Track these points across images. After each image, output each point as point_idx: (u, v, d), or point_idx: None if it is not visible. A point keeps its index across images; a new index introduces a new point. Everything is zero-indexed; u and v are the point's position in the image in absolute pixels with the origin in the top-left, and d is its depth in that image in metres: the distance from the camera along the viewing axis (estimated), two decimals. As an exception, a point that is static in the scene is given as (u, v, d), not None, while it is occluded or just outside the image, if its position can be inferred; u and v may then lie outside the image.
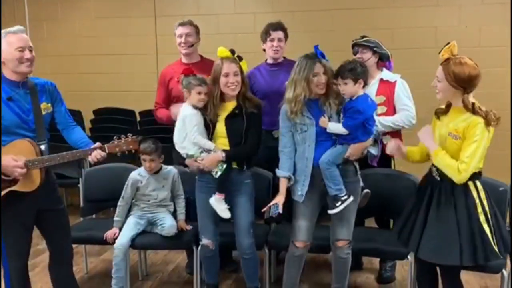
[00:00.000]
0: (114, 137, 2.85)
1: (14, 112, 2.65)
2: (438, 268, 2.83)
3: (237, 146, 3.03)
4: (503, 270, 2.96)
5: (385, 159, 3.51)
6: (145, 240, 3.43)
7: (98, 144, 2.80)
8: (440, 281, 2.85)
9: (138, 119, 5.54)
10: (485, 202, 2.57)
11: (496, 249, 2.53)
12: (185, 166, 3.21)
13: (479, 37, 4.95)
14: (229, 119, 3.03)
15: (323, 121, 2.88)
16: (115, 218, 3.49)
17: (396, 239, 2.82)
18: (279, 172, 3.00)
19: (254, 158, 3.18)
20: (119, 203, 3.50)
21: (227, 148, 3.03)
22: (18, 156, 2.58)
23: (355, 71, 2.85)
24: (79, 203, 3.93)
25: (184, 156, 3.10)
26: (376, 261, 3.90)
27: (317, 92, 2.90)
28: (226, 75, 2.98)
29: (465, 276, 3.54)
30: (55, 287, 3.07)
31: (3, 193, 2.63)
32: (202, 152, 3.03)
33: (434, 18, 5.02)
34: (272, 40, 3.58)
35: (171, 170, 3.56)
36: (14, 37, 2.64)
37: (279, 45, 3.58)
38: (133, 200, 3.53)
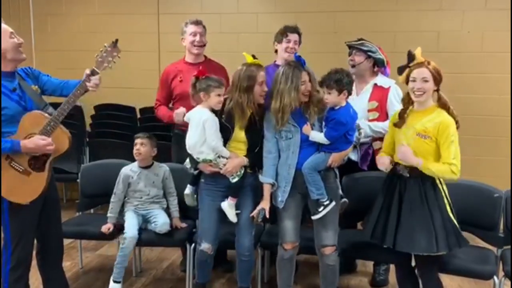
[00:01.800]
0: (96, 56, 2.81)
1: (16, 101, 2.67)
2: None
3: (254, 152, 3.05)
4: (495, 277, 2.96)
5: (374, 163, 3.51)
6: (139, 236, 3.43)
7: (88, 71, 2.78)
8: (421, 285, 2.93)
9: (139, 115, 5.55)
10: (447, 194, 2.76)
11: (463, 236, 2.73)
12: (196, 169, 3.14)
13: (481, 42, 4.93)
14: (250, 127, 3.03)
15: (306, 129, 2.92)
16: (109, 215, 3.51)
17: (369, 239, 2.88)
18: (262, 179, 3.02)
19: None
20: (112, 199, 3.52)
21: (241, 152, 3.04)
22: (35, 128, 2.65)
23: (341, 82, 2.87)
24: (77, 199, 3.94)
25: (199, 160, 3.04)
26: (369, 264, 3.90)
27: (302, 100, 2.92)
28: (261, 84, 2.97)
29: (458, 282, 3.55)
30: (45, 283, 3.08)
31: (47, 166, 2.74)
32: (219, 157, 2.99)
33: (436, 23, 5.00)
34: (289, 41, 3.54)
35: (163, 167, 3.59)
36: (3, 25, 2.66)
37: (294, 47, 3.55)
38: (126, 198, 3.55)
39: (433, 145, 2.69)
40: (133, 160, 3.75)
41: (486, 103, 4.89)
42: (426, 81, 2.68)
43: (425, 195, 2.72)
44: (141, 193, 3.52)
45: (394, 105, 3.43)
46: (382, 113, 3.47)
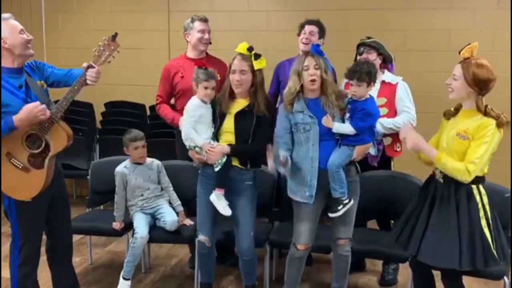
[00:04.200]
0: (94, 50, 2.79)
1: (21, 98, 2.67)
2: (436, 272, 2.84)
3: (243, 143, 3.01)
4: (505, 277, 2.94)
5: (385, 160, 3.50)
6: (148, 233, 3.45)
7: (85, 65, 2.76)
8: (436, 285, 2.86)
9: (148, 113, 5.58)
10: (487, 207, 2.57)
11: (495, 254, 2.52)
12: (191, 160, 3.19)
13: (493, 41, 4.89)
14: (239, 116, 3.01)
15: (327, 120, 2.84)
16: (115, 214, 3.54)
17: (394, 242, 2.81)
18: (279, 152, 2.86)
19: (259, 160, 3.15)
20: (115, 200, 3.54)
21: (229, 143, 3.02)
22: None
23: (371, 74, 2.85)
24: (87, 195, 3.96)
25: (191, 148, 3.08)
26: (379, 263, 3.89)
27: (309, 87, 2.87)
28: (233, 72, 2.98)
29: (469, 282, 3.52)
30: (55, 280, 3.10)
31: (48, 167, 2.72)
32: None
33: (448, 21, 4.97)
34: (304, 32, 3.68)
35: (154, 161, 3.62)
36: (13, 22, 2.67)
37: (310, 38, 3.62)
38: (129, 202, 3.54)
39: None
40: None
41: (498, 102, 4.81)
42: (455, 79, 2.56)
43: (457, 206, 2.55)
44: (141, 190, 3.52)
45: (403, 100, 3.43)
46: (391, 109, 3.46)
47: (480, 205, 2.56)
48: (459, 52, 2.58)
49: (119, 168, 3.55)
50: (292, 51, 3.92)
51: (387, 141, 3.46)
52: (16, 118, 2.58)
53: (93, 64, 2.76)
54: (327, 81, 2.87)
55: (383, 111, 3.40)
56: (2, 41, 2.62)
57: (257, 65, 2.97)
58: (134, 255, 3.38)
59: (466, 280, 2.90)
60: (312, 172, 2.88)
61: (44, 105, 2.61)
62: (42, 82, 2.82)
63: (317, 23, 3.73)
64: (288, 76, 2.99)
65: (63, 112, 2.71)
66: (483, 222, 2.54)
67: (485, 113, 2.52)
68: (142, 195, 3.53)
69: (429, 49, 5.05)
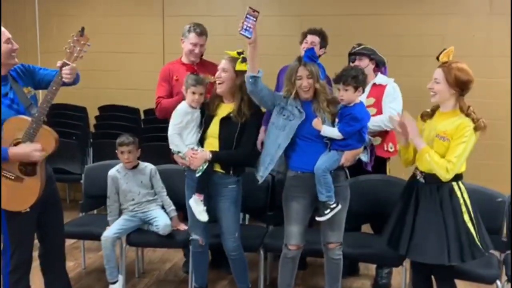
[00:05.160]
0: (65, 47, 2.69)
1: (7, 105, 2.64)
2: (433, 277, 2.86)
3: (227, 149, 3.04)
4: (497, 281, 2.95)
5: (379, 164, 3.52)
6: (141, 237, 3.47)
7: (59, 63, 2.69)
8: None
9: (143, 117, 5.57)
10: (468, 202, 2.69)
11: (480, 246, 2.65)
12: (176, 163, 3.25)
13: (486, 46, 4.92)
14: (224, 121, 3.04)
15: (317, 122, 2.89)
16: (109, 218, 3.53)
17: (386, 245, 2.85)
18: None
19: (243, 167, 3.16)
20: (108, 204, 3.54)
21: (215, 149, 3.05)
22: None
23: (358, 79, 2.88)
24: (81, 200, 3.95)
25: (174, 152, 3.14)
26: (372, 267, 3.89)
27: (303, 95, 2.93)
28: (218, 71, 3.05)
29: (461, 286, 3.53)
30: (47, 284, 3.06)
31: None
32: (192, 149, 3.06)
33: (442, 26, 4.99)
34: (306, 42, 3.73)
35: (148, 166, 3.59)
36: (2, 29, 2.63)
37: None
38: (121, 206, 3.54)
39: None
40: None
41: (492, 107, 4.86)
42: (437, 82, 2.68)
43: (440, 203, 2.67)
44: (132, 194, 3.51)
45: (389, 99, 3.47)
46: (379, 109, 3.50)
47: (461, 201, 2.68)
48: (437, 58, 2.71)
49: (111, 172, 3.55)
50: (287, 56, 3.89)
51: (376, 141, 3.50)
52: (12, 152, 2.58)
53: (67, 62, 2.69)
54: (319, 89, 2.91)
55: (371, 111, 3.42)
56: None
57: (240, 66, 2.98)
58: (106, 257, 3.38)
59: (459, 285, 2.92)
60: (273, 156, 2.96)
61: (40, 147, 2.61)
62: (30, 88, 2.79)
63: (319, 33, 3.75)
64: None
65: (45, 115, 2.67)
66: (466, 217, 2.66)
67: (467, 114, 2.65)
68: (133, 199, 3.52)
69: (422, 54, 5.05)
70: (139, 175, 3.55)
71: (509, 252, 3.09)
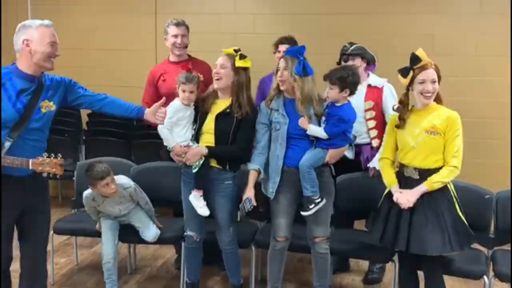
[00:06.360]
0: (44, 154, 2.58)
1: (13, 103, 2.53)
2: (420, 272, 2.92)
3: (222, 145, 3.07)
4: (484, 277, 3.00)
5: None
6: (133, 234, 3.46)
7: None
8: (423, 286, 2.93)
9: (135, 114, 5.57)
10: (455, 193, 2.79)
11: (472, 233, 2.77)
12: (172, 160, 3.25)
13: (476, 46, 4.97)
14: (219, 117, 3.07)
15: (303, 122, 2.94)
16: (94, 218, 3.45)
17: (378, 242, 2.88)
18: (249, 166, 3.07)
19: (239, 162, 3.18)
20: (87, 211, 3.43)
21: (211, 145, 3.08)
22: None
23: (344, 81, 2.92)
24: (73, 196, 3.96)
25: (169, 150, 3.16)
26: (363, 263, 3.94)
27: (281, 88, 3.01)
28: (215, 67, 3.07)
29: (449, 282, 3.58)
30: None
31: None
32: (188, 146, 3.09)
33: (431, 26, 5.03)
34: (279, 51, 3.75)
35: (127, 188, 3.31)
36: (48, 30, 2.59)
37: None
38: (99, 215, 3.42)
39: (441, 140, 2.74)
40: (129, 158, 3.77)
41: (481, 106, 4.92)
42: (435, 81, 2.73)
43: (434, 196, 2.74)
44: (113, 211, 3.37)
45: (391, 102, 3.48)
46: (378, 112, 3.53)
47: (451, 193, 2.78)
48: (413, 65, 2.76)
49: (87, 199, 3.33)
50: (278, 54, 3.95)
51: (375, 142, 3.49)
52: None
53: (29, 163, 2.53)
54: (293, 84, 2.94)
55: (370, 114, 3.48)
56: (26, 41, 2.54)
57: (239, 63, 3.03)
58: (108, 271, 3.33)
59: (447, 280, 2.96)
60: (276, 170, 3.01)
61: None
62: (51, 103, 2.68)
63: (290, 41, 3.77)
64: (267, 92, 3.10)
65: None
66: (457, 207, 2.77)
67: (440, 101, 2.80)
68: (115, 217, 3.40)
69: (413, 53, 5.11)
70: (117, 198, 3.32)
71: (497, 248, 3.15)
